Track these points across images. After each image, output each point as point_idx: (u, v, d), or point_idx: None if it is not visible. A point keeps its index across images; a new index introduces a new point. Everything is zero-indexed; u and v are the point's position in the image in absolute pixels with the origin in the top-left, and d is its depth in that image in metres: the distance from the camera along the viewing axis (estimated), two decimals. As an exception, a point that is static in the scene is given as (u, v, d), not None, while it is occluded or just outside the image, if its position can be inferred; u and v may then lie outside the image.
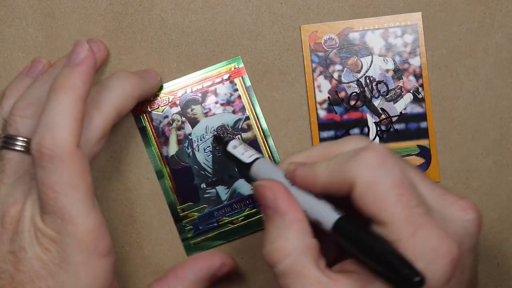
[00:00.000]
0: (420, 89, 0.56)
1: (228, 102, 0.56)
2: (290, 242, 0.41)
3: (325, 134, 0.57)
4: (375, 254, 0.38)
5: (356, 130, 0.57)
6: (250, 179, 0.55)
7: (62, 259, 0.43)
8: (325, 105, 0.56)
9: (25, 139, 0.47)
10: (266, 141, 0.56)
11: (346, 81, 0.56)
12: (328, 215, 0.41)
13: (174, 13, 0.56)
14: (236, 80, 0.56)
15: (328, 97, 0.57)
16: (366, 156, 0.39)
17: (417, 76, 0.56)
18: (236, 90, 0.56)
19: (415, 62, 0.56)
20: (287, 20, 0.56)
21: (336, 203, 0.42)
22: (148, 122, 0.56)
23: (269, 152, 0.56)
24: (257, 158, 0.48)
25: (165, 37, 0.56)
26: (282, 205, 0.42)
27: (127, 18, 0.56)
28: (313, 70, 0.56)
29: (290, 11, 0.56)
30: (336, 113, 0.57)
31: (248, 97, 0.56)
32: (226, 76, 0.56)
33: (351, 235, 0.40)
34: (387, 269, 0.37)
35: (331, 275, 0.40)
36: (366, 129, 0.57)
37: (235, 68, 0.56)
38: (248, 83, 0.56)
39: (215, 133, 0.56)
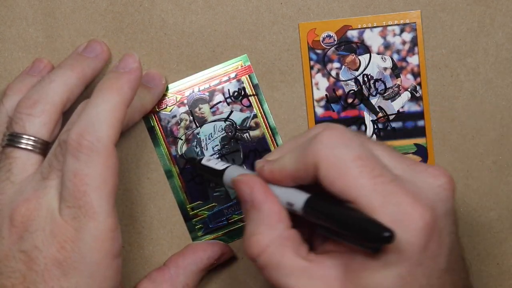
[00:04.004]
0: (418, 87, 0.56)
1: (235, 101, 0.57)
2: (266, 235, 0.42)
3: None
4: (343, 222, 0.39)
5: (353, 128, 0.57)
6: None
7: (78, 259, 0.43)
8: (322, 103, 0.57)
9: (32, 137, 0.47)
10: (275, 139, 0.56)
11: (344, 79, 0.57)
12: (298, 197, 0.42)
13: (174, 14, 0.56)
14: (243, 78, 0.56)
15: (326, 95, 0.57)
16: (325, 136, 0.40)
17: (415, 75, 0.56)
18: (244, 88, 0.56)
19: (413, 60, 0.56)
20: (287, 20, 0.56)
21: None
22: (157, 122, 0.57)
23: None
24: (229, 166, 0.49)
25: (165, 37, 0.56)
26: (258, 197, 0.43)
27: (128, 18, 0.56)
28: (311, 68, 0.56)
29: (290, 11, 0.56)
30: (333, 110, 0.57)
31: (255, 95, 0.57)
32: (233, 75, 0.56)
33: (320, 210, 0.41)
34: (357, 233, 0.38)
35: (313, 258, 0.41)
36: (363, 127, 0.57)
37: (241, 66, 0.56)
38: (255, 81, 0.56)
39: (223, 132, 0.56)
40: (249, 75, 0.56)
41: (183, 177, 0.57)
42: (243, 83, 0.57)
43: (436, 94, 0.56)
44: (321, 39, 0.56)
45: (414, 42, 0.56)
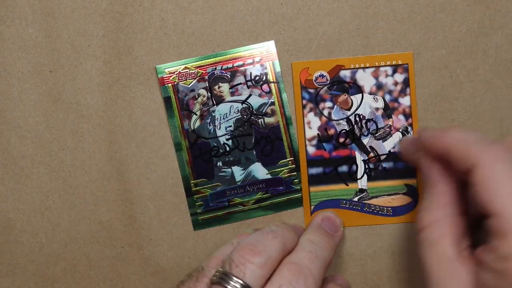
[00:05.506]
0: (409, 128, 0.57)
1: (256, 85, 0.57)
2: (431, 213, 0.44)
3: (313, 170, 0.57)
4: None
5: (344, 167, 0.57)
6: (266, 164, 0.57)
7: None
8: (314, 142, 0.57)
9: (245, 284, 0.45)
10: (288, 129, 0.57)
11: (336, 119, 0.57)
12: None
13: (174, 13, 0.56)
14: (267, 64, 0.56)
15: (318, 134, 0.57)
16: (496, 147, 0.40)
17: (407, 116, 0.56)
18: (266, 74, 0.56)
19: (405, 101, 0.56)
20: (287, 21, 0.56)
21: None
22: (174, 93, 0.56)
23: (289, 140, 0.57)
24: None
25: (165, 37, 0.56)
26: (434, 176, 0.45)
27: (127, 18, 0.56)
28: (304, 107, 0.56)
29: (290, 11, 0.56)
30: (325, 150, 0.57)
31: (276, 83, 0.57)
32: (257, 59, 0.56)
33: None
34: None
35: (464, 257, 0.42)
36: (354, 167, 0.57)
37: (267, 51, 0.56)
38: (278, 69, 0.56)
39: (239, 114, 0.56)
40: (273, 62, 0.56)
41: (192, 152, 0.57)
42: (266, 68, 0.56)
43: (436, 95, 0.56)
44: (314, 78, 0.56)
45: (406, 83, 0.56)
